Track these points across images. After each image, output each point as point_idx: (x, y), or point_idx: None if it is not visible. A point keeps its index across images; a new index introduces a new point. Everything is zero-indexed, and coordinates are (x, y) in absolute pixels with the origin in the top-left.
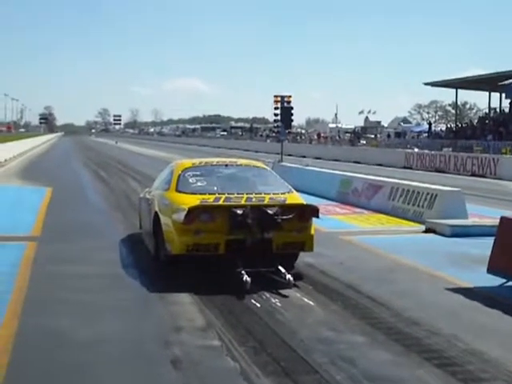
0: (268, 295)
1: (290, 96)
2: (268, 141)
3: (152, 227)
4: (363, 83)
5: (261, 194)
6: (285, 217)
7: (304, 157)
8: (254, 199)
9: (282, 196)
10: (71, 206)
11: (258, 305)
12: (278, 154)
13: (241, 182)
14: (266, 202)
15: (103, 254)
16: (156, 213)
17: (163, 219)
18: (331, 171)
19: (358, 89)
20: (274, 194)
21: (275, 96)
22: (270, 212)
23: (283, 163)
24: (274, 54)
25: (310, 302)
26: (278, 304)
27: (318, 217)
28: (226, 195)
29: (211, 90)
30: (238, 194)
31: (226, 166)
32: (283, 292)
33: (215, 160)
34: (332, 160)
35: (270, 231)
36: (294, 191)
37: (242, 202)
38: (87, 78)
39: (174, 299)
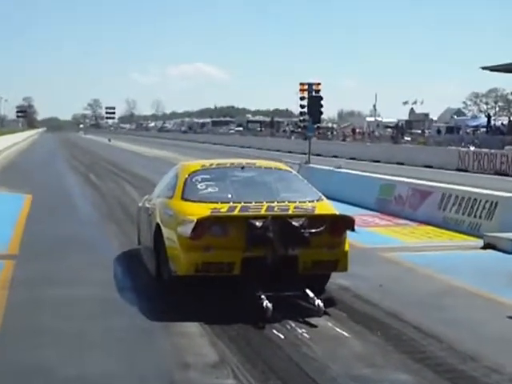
0: (293, 324)
1: (318, 83)
2: (292, 138)
3: (153, 242)
4: (408, 68)
5: (284, 202)
6: (314, 230)
7: (336, 157)
8: (276, 208)
9: (310, 205)
10: (55, 217)
11: (282, 336)
12: (304, 153)
13: (260, 188)
14: (290, 212)
15: (94, 275)
16: (158, 225)
17: (166, 233)
18: (369, 174)
19: (401, 75)
20: (300, 202)
21: (301, 84)
22: (295, 224)
23: (311, 165)
24: (298, 34)
25: (344, 333)
26: (306, 335)
27: (353, 230)
28: (243, 204)
29: (224, 76)
30: (256, 202)
31: (243, 168)
32: (311, 321)
33: (229, 161)
34: (370, 161)
35: (295, 247)
36: (325, 199)
37: (262, 212)
38: (74, 62)
39: (179, 329)
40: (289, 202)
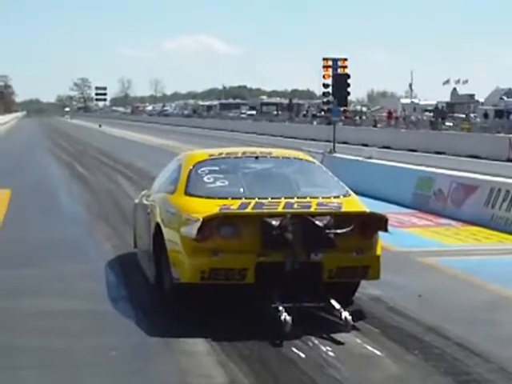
0: (316, 341)
1: (345, 59)
2: (314, 123)
3: (152, 245)
4: (449, 41)
5: (305, 197)
6: (340, 231)
7: (366, 145)
8: (295, 205)
9: (336, 201)
10: (37, 216)
11: (303, 355)
12: (328, 141)
13: (277, 182)
14: (312, 210)
15: (82, 284)
16: (157, 225)
17: (168, 234)
18: (404, 166)
19: (441, 49)
20: (323, 197)
21: (324, 59)
22: (318, 224)
23: (336, 154)
24: (321, 1)
25: (376, 351)
26: (331, 354)
27: (386, 230)
28: (257, 200)
29: (233, 51)
30: (272, 198)
31: (257, 158)
32: (337, 337)
33: (240, 150)
34: (405, 150)
35: (319, 251)
36: (353, 194)
37: (279, 210)
38: (58, 35)
39: (183, 347)
40: (310, 197)
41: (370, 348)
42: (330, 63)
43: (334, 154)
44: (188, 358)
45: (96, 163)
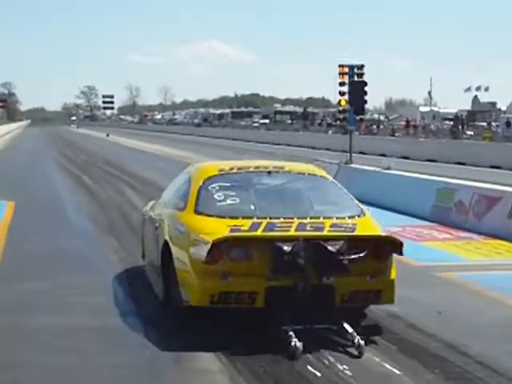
0: (332, 359)
1: (362, 66)
2: (330, 132)
3: (160, 261)
4: (470, 46)
5: (319, 218)
6: (353, 256)
7: (383, 155)
8: (308, 227)
9: (350, 221)
10: (43, 228)
11: (318, 373)
12: (344, 151)
13: (290, 199)
14: (325, 233)
15: (89, 298)
16: (166, 242)
17: (177, 253)
18: (424, 177)
19: (462, 55)
20: (337, 218)
21: (340, 66)
22: (331, 249)
23: (352, 165)
24: (337, 6)
25: (395, 370)
26: (348, 372)
27: (401, 254)
28: (268, 220)
29: (246, 58)
30: (285, 218)
31: (269, 173)
32: (354, 355)
33: (253, 164)
34: (425, 160)
35: (331, 276)
36: (367, 213)
37: (292, 233)
38: (63, 42)
39: (194, 364)
40: (324, 217)
41: (388, 366)
42: (346, 70)
43: (351, 165)
44: (199, 375)
45: (97, 165)
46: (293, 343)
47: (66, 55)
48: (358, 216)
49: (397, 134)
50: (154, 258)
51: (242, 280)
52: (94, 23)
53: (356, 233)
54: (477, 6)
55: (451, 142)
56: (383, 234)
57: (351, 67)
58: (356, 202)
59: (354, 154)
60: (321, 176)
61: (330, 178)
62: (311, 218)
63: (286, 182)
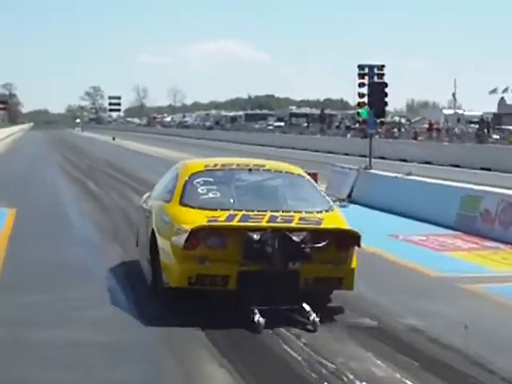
0: (351, 376)
1: (382, 66)
2: (348, 136)
3: (149, 249)
4: (495, 46)
5: (289, 211)
6: (315, 245)
7: (405, 161)
8: (278, 219)
9: (318, 216)
10: (44, 237)
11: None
12: (364, 156)
13: (266, 195)
14: (293, 225)
15: (93, 311)
16: (153, 231)
17: (161, 242)
18: (447, 183)
19: (487, 55)
20: (306, 212)
21: (359, 67)
22: (295, 239)
23: (372, 171)
24: (356, 4)
25: None
26: None
27: (359, 245)
28: (244, 212)
29: (260, 57)
30: (259, 210)
31: (250, 170)
32: (376, 371)
33: (236, 161)
34: (448, 165)
35: (296, 262)
36: (336, 209)
37: (263, 223)
38: (67, 41)
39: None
40: (294, 211)
41: (408, 382)
42: (366, 71)
43: (370, 171)
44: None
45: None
46: (256, 319)
47: (68, 55)
48: (326, 211)
49: (419, 138)
50: (145, 245)
51: (217, 265)
52: (99, 22)
53: (321, 226)
54: (501, 5)
55: (476, 146)
56: (344, 227)
57: (371, 67)
58: (327, 198)
59: (373, 159)
60: (297, 174)
61: (306, 176)
62: (283, 211)
63: (265, 179)
